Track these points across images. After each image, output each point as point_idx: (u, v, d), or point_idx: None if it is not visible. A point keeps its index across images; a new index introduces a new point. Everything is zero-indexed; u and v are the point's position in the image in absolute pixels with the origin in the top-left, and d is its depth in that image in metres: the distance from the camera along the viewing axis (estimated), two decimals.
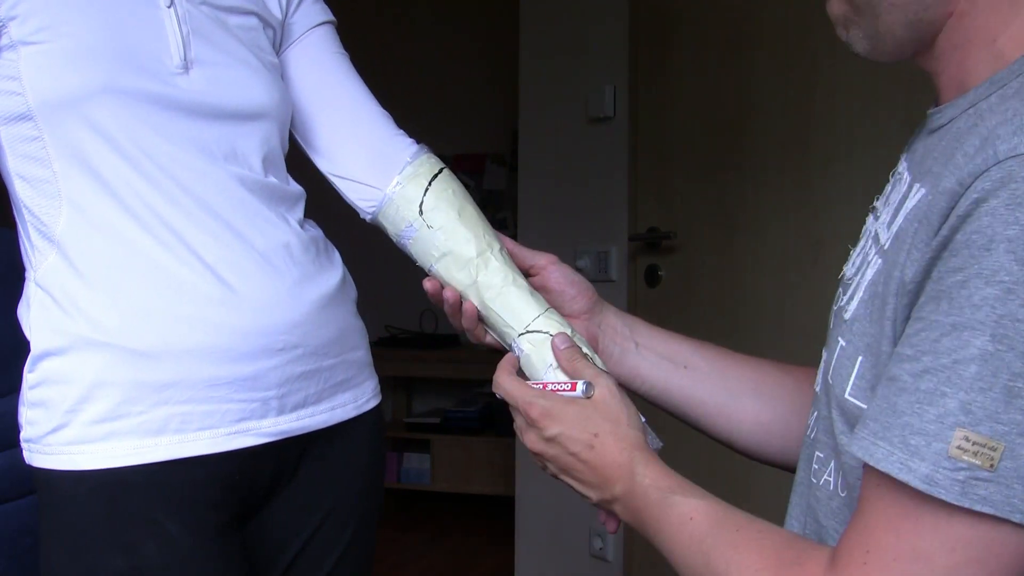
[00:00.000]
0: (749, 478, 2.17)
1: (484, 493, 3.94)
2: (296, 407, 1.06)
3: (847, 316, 0.77)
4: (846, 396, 0.74)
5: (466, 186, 1.12)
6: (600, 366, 0.97)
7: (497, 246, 1.04)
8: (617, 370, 1.03)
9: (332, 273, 1.12)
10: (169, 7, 1.03)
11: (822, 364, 0.84)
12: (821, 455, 0.80)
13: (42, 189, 0.99)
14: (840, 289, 0.84)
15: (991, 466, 0.58)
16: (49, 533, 1.00)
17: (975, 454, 0.59)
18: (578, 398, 0.87)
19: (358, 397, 1.14)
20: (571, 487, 0.88)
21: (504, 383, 0.91)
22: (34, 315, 1.01)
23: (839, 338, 0.78)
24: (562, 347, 0.95)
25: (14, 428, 1.05)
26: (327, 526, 1.14)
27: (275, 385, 1.03)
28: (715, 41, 2.44)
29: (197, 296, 0.99)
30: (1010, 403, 0.58)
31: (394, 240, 1.08)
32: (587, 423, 0.85)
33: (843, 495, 0.77)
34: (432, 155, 1.11)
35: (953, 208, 0.62)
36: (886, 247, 0.73)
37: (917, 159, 0.76)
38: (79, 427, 0.97)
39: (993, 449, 0.58)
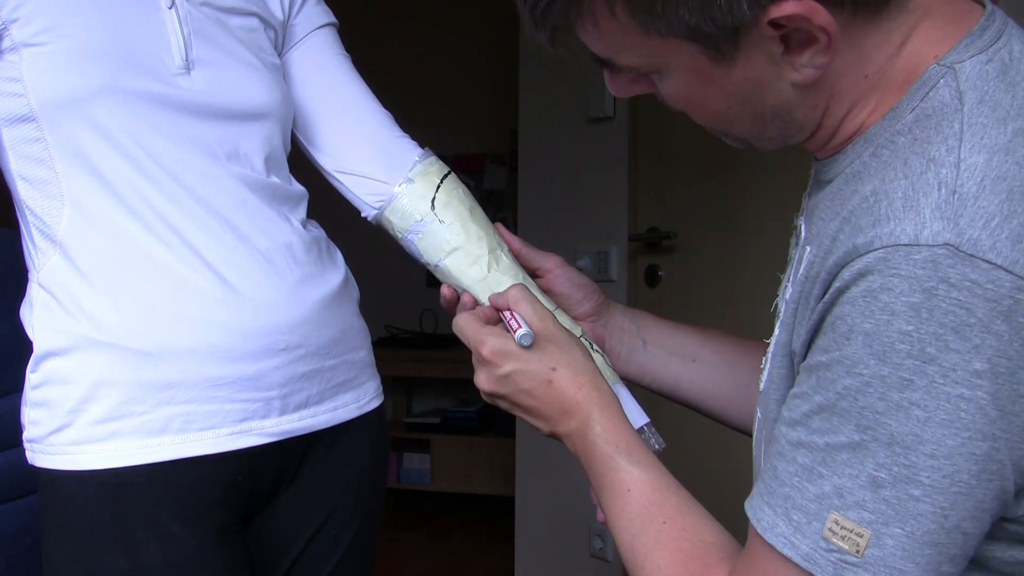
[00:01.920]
0: (746, 471, 2.17)
1: (484, 493, 3.94)
2: (298, 407, 1.06)
3: (761, 387, 0.80)
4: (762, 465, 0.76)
5: (466, 185, 1.12)
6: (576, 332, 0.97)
7: (505, 247, 1.05)
8: (625, 368, 1.03)
9: (334, 273, 1.12)
10: (170, 8, 1.03)
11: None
12: None
13: (44, 190, 0.99)
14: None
15: (857, 552, 0.61)
16: (51, 533, 1.00)
17: (843, 538, 0.62)
18: (519, 340, 0.86)
19: (360, 397, 1.14)
20: (523, 420, 0.89)
21: (460, 322, 0.91)
22: (37, 315, 1.01)
23: (757, 409, 0.81)
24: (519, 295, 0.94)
25: (15, 428, 1.05)
26: (329, 526, 1.14)
27: (277, 385, 1.03)
28: None
29: (199, 296, 0.99)
30: (876, 492, 0.61)
31: (399, 236, 1.08)
32: (544, 357, 0.86)
33: None
34: (438, 159, 1.12)
35: (825, 293, 0.65)
36: (783, 317, 0.75)
37: (808, 214, 0.78)
38: (82, 427, 0.97)
39: (859, 536, 0.61)
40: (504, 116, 4.02)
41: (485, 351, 0.87)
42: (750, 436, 1.03)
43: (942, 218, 0.60)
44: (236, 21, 1.09)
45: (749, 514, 0.68)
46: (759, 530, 0.67)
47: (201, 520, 1.00)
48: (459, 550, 3.71)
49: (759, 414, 0.80)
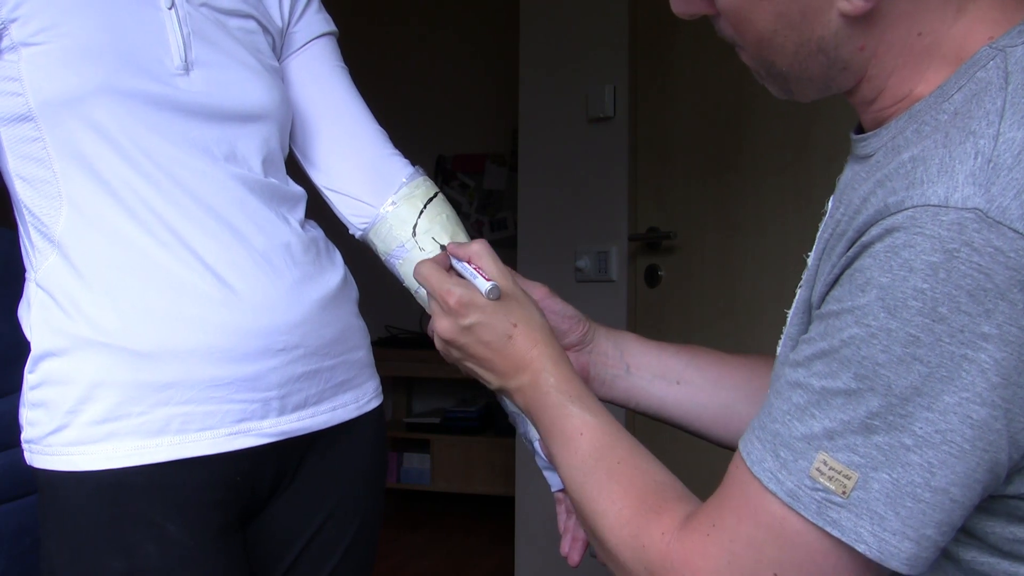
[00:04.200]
0: None
1: (484, 493, 3.94)
2: (297, 407, 1.06)
3: (778, 352, 0.81)
4: None
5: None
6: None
7: None
8: (610, 394, 1.04)
9: (333, 273, 1.12)
10: (170, 9, 1.03)
11: None
12: None
13: (42, 189, 0.99)
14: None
15: (843, 493, 0.63)
16: (49, 534, 1.00)
17: (830, 479, 0.63)
18: (488, 292, 0.88)
19: (359, 397, 1.14)
20: (471, 372, 0.92)
21: (424, 269, 0.93)
22: (34, 316, 1.01)
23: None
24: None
25: (14, 428, 1.05)
26: (329, 527, 1.14)
27: (276, 386, 1.03)
28: (715, 41, 2.44)
29: (197, 296, 0.99)
30: (867, 438, 0.62)
31: (382, 258, 1.08)
32: (507, 313, 0.88)
33: None
34: (428, 178, 1.12)
35: (849, 249, 0.66)
36: (805, 277, 0.77)
37: (840, 188, 0.78)
38: (79, 428, 0.97)
39: (847, 477, 0.63)
40: (504, 116, 4.02)
41: (452, 300, 0.88)
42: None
43: (974, 184, 0.60)
44: (235, 23, 1.09)
45: (740, 447, 0.70)
46: (748, 463, 0.68)
47: (199, 521, 1.00)
48: (459, 550, 3.71)
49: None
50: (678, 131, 2.52)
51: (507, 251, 3.11)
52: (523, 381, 0.87)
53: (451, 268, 0.94)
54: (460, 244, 0.95)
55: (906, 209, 0.62)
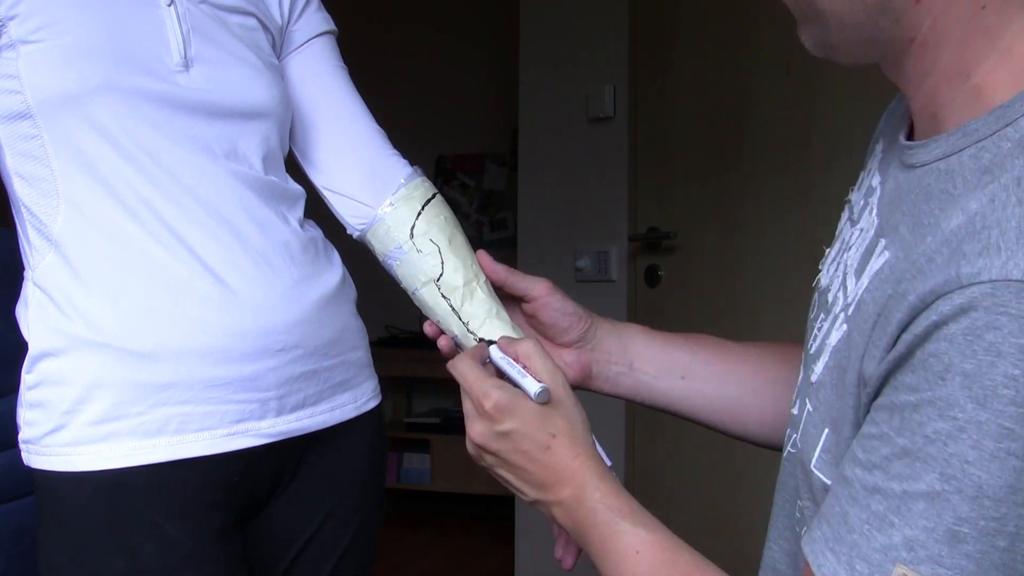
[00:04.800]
0: (747, 473, 2.16)
1: (484, 493, 3.94)
2: (295, 408, 1.05)
3: (813, 379, 0.76)
4: (811, 467, 0.73)
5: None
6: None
7: (483, 277, 1.03)
8: (615, 390, 1.02)
9: (332, 273, 1.12)
10: (169, 6, 1.03)
11: (799, 383, 0.82)
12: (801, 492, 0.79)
13: (40, 188, 0.99)
14: (816, 297, 0.82)
15: None
16: (48, 534, 1.00)
17: None
18: (537, 395, 0.82)
19: (358, 397, 1.14)
20: (506, 482, 0.84)
21: (460, 365, 0.86)
22: (32, 315, 1.01)
23: (807, 400, 0.76)
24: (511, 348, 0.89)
25: (13, 428, 1.05)
26: (328, 527, 1.14)
27: (274, 386, 1.03)
28: (715, 41, 2.44)
29: (195, 296, 0.99)
30: (954, 548, 0.56)
31: (380, 259, 1.08)
32: (545, 422, 0.81)
33: None
34: (426, 179, 1.11)
35: (911, 323, 0.60)
36: (850, 313, 0.70)
37: (885, 201, 0.73)
38: (77, 428, 0.97)
39: None
40: (504, 116, 4.01)
41: (488, 404, 0.81)
42: (748, 443, 1.03)
43: None
44: (235, 20, 1.09)
45: (809, 557, 0.64)
46: (819, 575, 0.62)
47: (198, 521, 1.00)
48: (459, 550, 3.71)
49: (809, 407, 0.76)
50: (678, 131, 2.52)
51: (507, 251, 3.11)
52: (564, 495, 0.80)
53: (487, 362, 0.88)
54: (511, 340, 0.89)
55: (982, 283, 0.56)
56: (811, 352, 0.78)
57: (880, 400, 0.62)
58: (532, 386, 0.82)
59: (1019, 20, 0.63)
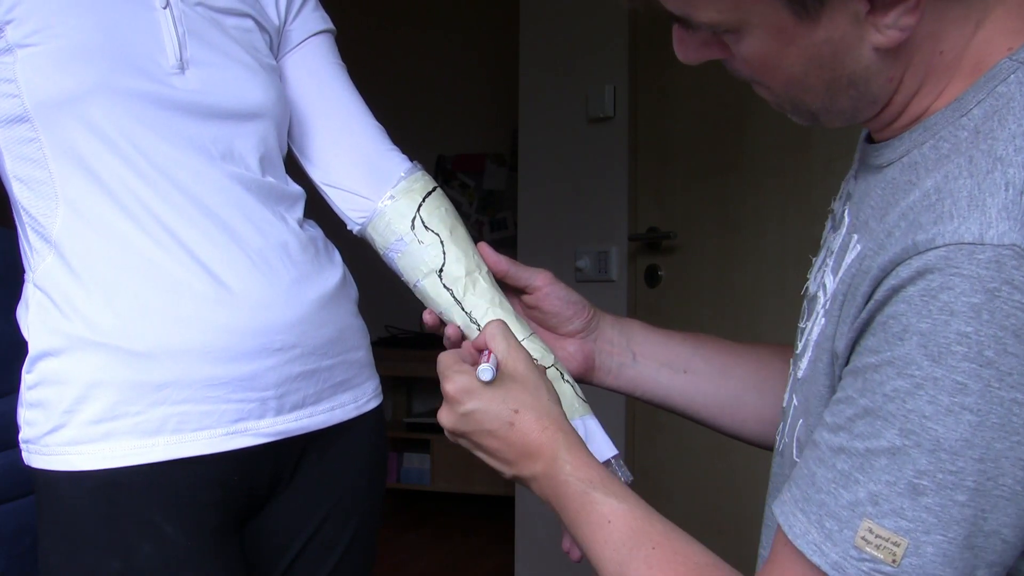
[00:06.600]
0: (747, 473, 2.16)
1: (484, 493, 3.94)
2: (295, 407, 1.05)
3: (799, 374, 0.78)
4: (795, 458, 0.75)
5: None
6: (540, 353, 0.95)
7: (484, 268, 1.04)
8: (616, 383, 1.02)
9: (332, 273, 1.12)
10: (164, 8, 1.03)
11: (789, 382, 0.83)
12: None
13: (39, 190, 0.99)
14: (805, 305, 0.84)
15: (893, 561, 0.59)
16: (47, 533, 1.00)
17: (878, 547, 0.60)
18: (478, 375, 0.82)
19: (358, 397, 1.14)
20: (485, 462, 0.86)
21: (440, 357, 0.88)
22: (32, 316, 1.01)
23: (793, 395, 0.78)
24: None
25: (13, 428, 1.05)
26: (327, 527, 1.14)
27: (273, 385, 1.03)
28: None
29: (193, 296, 0.99)
30: (915, 500, 0.59)
31: (380, 253, 1.08)
32: (506, 398, 0.82)
33: None
34: (426, 173, 1.11)
35: (875, 290, 0.63)
36: (827, 307, 0.73)
37: (856, 201, 0.76)
38: (77, 427, 0.97)
39: (896, 544, 0.59)
40: (504, 116, 4.01)
41: (450, 388, 0.84)
42: (744, 442, 1.03)
43: (1009, 218, 0.58)
44: (231, 22, 1.09)
45: (780, 519, 0.66)
46: (790, 536, 0.65)
47: (196, 521, 1.00)
48: (459, 550, 3.71)
49: (795, 401, 0.78)
50: (678, 131, 2.52)
51: (507, 251, 3.10)
52: (536, 470, 0.81)
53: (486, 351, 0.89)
54: (484, 327, 0.89)
55: (937, 247, 0.59)
56: (797, 352, 0.80)
57: (847, 367, 0.65)
58: (481, 368, 0.82)
59: (970, 45, 0.67)
